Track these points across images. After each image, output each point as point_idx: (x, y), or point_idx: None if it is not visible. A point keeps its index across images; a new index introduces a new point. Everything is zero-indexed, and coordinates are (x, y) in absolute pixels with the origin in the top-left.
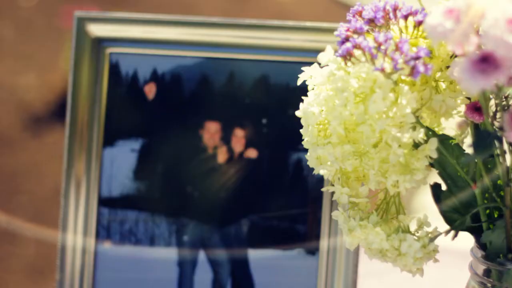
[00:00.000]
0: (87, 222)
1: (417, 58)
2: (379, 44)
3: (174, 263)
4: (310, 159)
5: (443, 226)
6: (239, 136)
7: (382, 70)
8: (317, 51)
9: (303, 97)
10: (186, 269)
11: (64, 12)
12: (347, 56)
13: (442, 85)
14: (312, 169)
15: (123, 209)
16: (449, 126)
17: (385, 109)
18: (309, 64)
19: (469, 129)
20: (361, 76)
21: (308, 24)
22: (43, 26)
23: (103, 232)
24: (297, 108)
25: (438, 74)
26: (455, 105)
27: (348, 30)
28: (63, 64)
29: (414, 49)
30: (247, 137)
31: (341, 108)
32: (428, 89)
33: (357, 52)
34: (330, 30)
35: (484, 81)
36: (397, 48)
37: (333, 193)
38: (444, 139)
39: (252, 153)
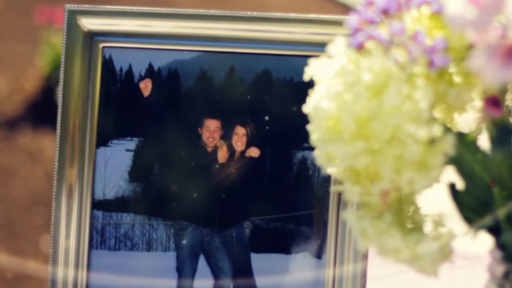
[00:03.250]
0: (80, 226)
1: (434, 50)
2: (394, 35)
3: (172, 268)
4: (319, 156)
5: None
6: (240, 134)
7: (397, 62)
8: (321, 44)
9: (310, 92)
10: (185, 275)
11: (37, 9)
12: (360, 48)
13: (455, 78)
14: (318, 168)
15: (118, 212)
16: (460, 122)
17: (399, 103)
18: (313, 58)
19: (483, 125)
20: (373, 69)
21: (312, 16)
22: (13, 24)
23: (97, 236)
24: (301, 104)
25: (452, 67)
26: (470, 99)
27: (360, 21)
28: (37, 63)
29: (429, 40)
30: (248, 135)
31: (352, 103)
32: (443, 83)
33: (369, 44)
34: (335, 23)
35: (508, 72)
36: (413, 39)
37: (340, 193)
38: (461, 135)
39: (254, 152)
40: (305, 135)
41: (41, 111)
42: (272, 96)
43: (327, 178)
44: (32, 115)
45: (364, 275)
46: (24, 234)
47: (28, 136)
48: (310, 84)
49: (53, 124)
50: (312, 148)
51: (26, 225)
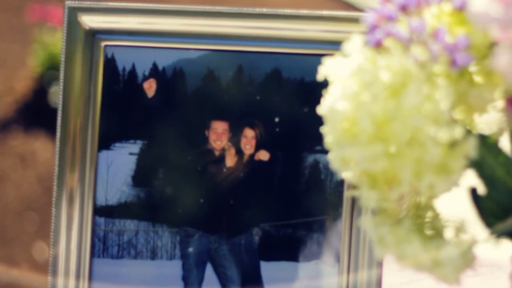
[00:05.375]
0: (81, 233)
1: (456, 48)
2: (414, 33)
3: (178, 277)
4: (334, 160)
5: None
6: (249, 137)
7: (417, 61)
8: (334, 43)
9: (323, 92)
10: (191, 284)
11: (29, 7)
12: (377, 46)
13: (476, 77)
14: (330, 172)
15: (121, 218)
16: (481, 123)
17: (419, 104)
18: (325, 56)
19: (505, 126)
20: (392, 68)
21: (325, 13)
22: (4, 23)
23: (99, 244)
24: (312, 105)
25: (473, 66)
26: (492, 99)
27: (378, 17)
28: (29, 63)
29: (451, 37)
30: (257, 138)
31: (369, 104)
32: (463, 82)
33: (387, 42)
34: (348, 20)
35: None
36: (434, 36)
37: (353, 198)
38: (482, 137)
39: (263, 155)
40: (317, 138)
41: (33, 113)
42: (283, 96)
43: (340, 183)
44: (24, 117)
45: (379, 284)
46: (15, 241)
47: (20, 139)
48: (322, 84)
49: (46, 126)
50: (324, 151)
51: (17, 231)
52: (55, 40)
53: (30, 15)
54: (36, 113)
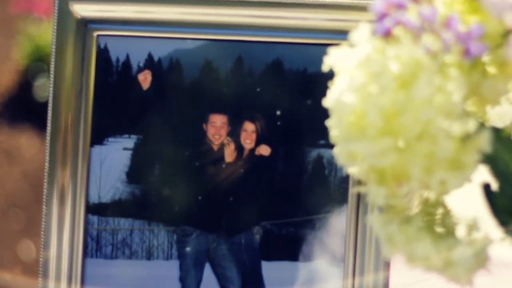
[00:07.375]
0: (74, 232)
1: (469, 37)
2: (425, 21)
3: (175, 279)
4: (340, 155)
5: None
6: (249, 131)
7: (429, 51)
8: (338, 32)
9: (327, 84)
10: (189, 286)
11: None
12: (386, 35)
13: (488, 68)
14: (335, 167)
15: (115, 217)
16: (493, 115)
17: (430, 96)
18: (329, 46)
19: None
20: (401, 58)
21: (329, 0)
22: None
23: (92, 243)
24: (316, 97)
25: (486, 56)
26: (505, 91)
27: (386, 5)
28: (13, 55)
29: (463, 26)
30: (258, 132)
31: (378, 96)
32: (476, 73)
33: (397, 31)
34: (355, 8)
35: None
36: (446, 25)
37: (359, 195)
38: (495, 130)
39: (264, 150)
40: (321, 131)
41: (19, 107)
42: (284, 88)
43: (345, 179)
44: (9, 112)
45: (386, 285)
46: (0, 240)
47: (4, 134)
48: (326, 75)
49: (32, 121)
50: (328, 146)
51: (3, 230)
52: (41, 31)
53: (15, 5)
54: (21, 107)
